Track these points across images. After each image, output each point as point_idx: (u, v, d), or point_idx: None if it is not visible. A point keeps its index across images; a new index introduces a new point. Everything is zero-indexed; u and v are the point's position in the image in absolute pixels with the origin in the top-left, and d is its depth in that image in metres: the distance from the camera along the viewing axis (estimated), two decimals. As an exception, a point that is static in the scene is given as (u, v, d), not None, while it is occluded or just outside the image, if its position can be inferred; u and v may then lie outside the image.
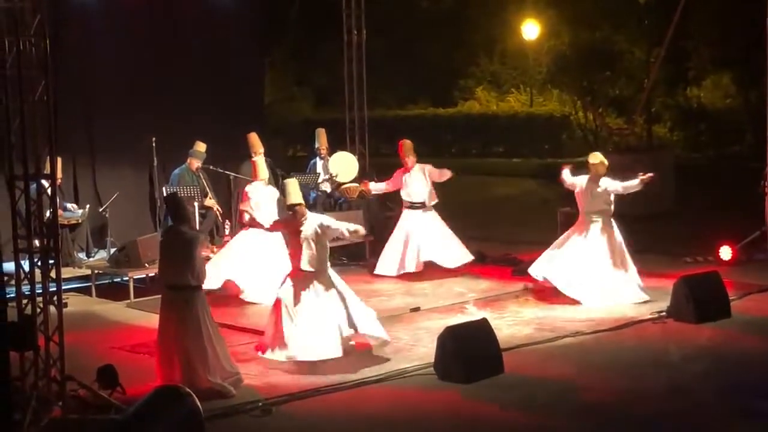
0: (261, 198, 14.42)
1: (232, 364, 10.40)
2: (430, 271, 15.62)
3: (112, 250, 15.39)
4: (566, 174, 14.21)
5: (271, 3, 22.21)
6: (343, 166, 17.57)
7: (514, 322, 12.89)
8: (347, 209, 17.20)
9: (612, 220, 14.00)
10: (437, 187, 15.89)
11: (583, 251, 13.85)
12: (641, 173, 13.90)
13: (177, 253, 10.14)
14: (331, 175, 17.48)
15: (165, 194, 15.18)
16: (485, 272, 15.94)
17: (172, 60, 17.47)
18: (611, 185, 13.91)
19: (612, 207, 13.97)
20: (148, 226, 16.91)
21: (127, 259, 14.70)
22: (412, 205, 15.82)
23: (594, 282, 13.69)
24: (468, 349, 10.58)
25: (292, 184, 11.39)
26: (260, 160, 14.77)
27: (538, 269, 14.21)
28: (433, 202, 15.84)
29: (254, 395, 10.10)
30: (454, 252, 15.68)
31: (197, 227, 15.48)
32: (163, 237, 10.68)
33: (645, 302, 13.56)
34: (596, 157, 14.00)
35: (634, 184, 13.92)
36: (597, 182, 13.91)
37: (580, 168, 14.41)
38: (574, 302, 13.68)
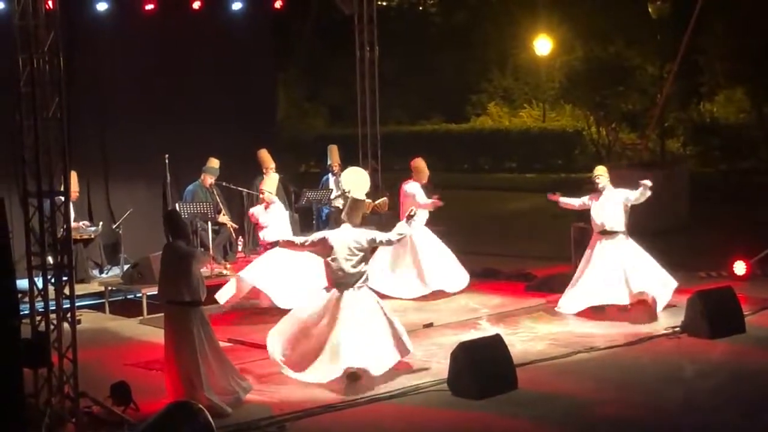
0: (268, 217, 14.40)
1: (236, 381, 10.38)
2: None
3: (126, 267, 15.40)
4: (566, 200, 14.23)
5: (285, 19, 22.25)
6: (356, 181, 17.56)
7: (528, 338, 12.85)
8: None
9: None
10: (443, 204, 15.73)
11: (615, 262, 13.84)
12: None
13: (173, 269, 10.21)
14: (343, 191, 17.48)
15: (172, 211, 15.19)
16: (498, 288, 15.89)
17: (186, 76, 17.51)
18: (632, 195, 13.91)
19: None
20: (162, 242, 16.84)
21: (141, 276, 14.70)
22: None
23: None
24: (481, 365, 10.56)
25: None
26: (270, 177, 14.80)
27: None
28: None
29: (267, 411, 10.08)
30: (456, 274, 15.59)
31: (210, 243, 15.53)
32: (161, 253, 10.71)
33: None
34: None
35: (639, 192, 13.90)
36: (619, 195, 13.91)
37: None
38: (589, 317, 13.64)
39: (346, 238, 11.21)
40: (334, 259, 11.15)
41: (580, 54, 31.38)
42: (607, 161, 26.65)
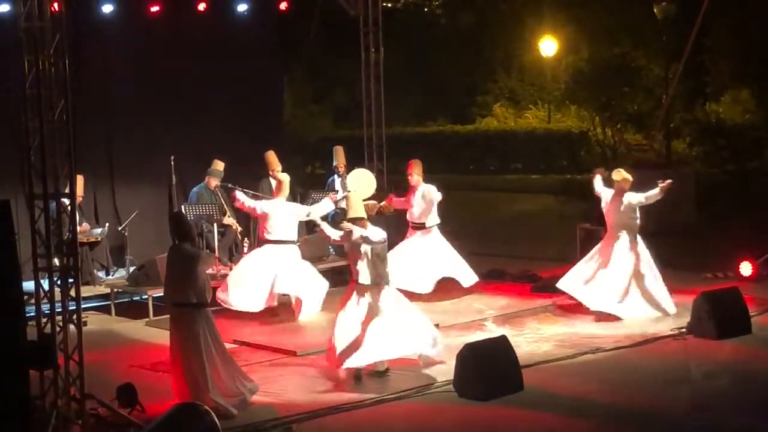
0: (279, 214, 14.37)
1: (242, 383, 10.38)
2: (448, 288, 15.53)
3: (132, 269, 15.41)
4: (598, 181, 14.28)
5: (291, 21, 22.25)
6: (361, 182, 17.54)
7: (534, 339, 12.85)
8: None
9: (638, 234, 13.97)
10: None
11: (611, 265, 13.82)
12: (660, 181, 13.89)
13: (179, 270, 10.22)
14: (349, 192, 17.44)
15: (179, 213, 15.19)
16: (504, 289, 15.88)
17: (192, 79, 17.50)
18: (634, 198, 13.90)
19: (638, 221, 13.94)
20: (167, 244, 16.79)
21: (147, 278, 14.71)
22: (414, 225, 15.67)
23: (626, 294, 13.68)
24: (487, 367, 10.56)
25: (356, 199, 11.57)
26: (286, 177, 14.71)
27: (568, 284, 14.17)
28: (436, 223, 15.53)
29: (273, 413, 10.09)
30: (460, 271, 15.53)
31: (216, 245, 15.53)
32: (167, 255, 10.72)
33: (667, 316, 13.53)
34: (620, 174, 13.98)
35: (654, 192, 13.90)
36: (621, 197, 13.90)
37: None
38: (595, 319, 13.63)
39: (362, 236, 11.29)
40: (351, 256, 11.29)
41: (585, 55, 31.38)
42: (613, 162, 26.63)
